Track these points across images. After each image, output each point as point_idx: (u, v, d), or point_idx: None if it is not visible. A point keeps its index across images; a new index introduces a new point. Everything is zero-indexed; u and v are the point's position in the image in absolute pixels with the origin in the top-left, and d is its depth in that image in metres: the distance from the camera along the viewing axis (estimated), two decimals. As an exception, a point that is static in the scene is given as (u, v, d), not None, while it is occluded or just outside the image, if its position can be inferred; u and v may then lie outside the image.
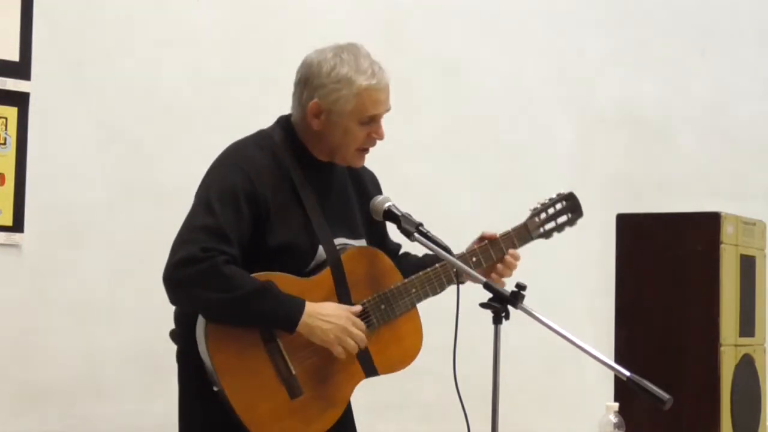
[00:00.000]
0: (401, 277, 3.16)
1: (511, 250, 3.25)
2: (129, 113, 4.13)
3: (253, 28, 4.46)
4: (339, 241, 3.12)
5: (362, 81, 3.05)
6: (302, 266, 3.05)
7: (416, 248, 3.20)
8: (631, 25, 5.79)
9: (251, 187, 3.00)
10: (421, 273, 3.16)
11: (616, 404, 3.17)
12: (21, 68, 3.88)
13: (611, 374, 2.88)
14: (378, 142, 3.15)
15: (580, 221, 3.41)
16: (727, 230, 4.15)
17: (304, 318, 2.95)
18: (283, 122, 3.19)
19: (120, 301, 4.06)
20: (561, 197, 3.38)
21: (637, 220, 4.28)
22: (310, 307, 2.97)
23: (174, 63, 4.25)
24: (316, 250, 3.07)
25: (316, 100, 3.07)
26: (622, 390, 3.80)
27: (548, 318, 2.77)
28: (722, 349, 4.06)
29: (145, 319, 4.05)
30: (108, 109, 4.09)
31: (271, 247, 3.01)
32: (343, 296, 3.07)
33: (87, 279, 4.00)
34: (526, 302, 2.79)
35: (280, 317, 2.95)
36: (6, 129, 3.83)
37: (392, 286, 3.12)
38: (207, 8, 4.35)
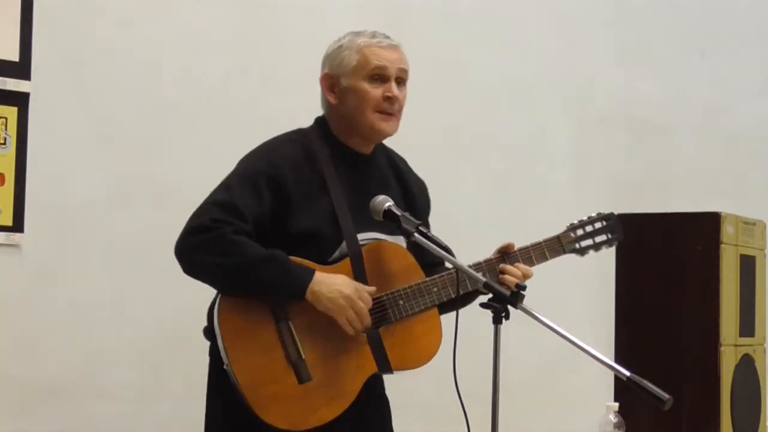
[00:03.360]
0: (423, 276, 3.14)
1: (523, 267, 3.19)
2: (129, 113, 4.13)
3: (253, 27, 4.46)
4: (371, 235, 3.11)
5: (362, 40, 3.17)
6: (325, 256, 3.05)
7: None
8: (631, 25, 5.78)
9: (273, 172, 3.03)
10: (444, 273, 3.13)
11: (616, 404, 3.17)
12: (21, 68, 3.87)
13: (611, 374, 2.88)
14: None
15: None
16: (727, 230, 4.15)
17: (312, 285, 2.95)
18: (320, 119, 3.24)
19: (120, 300, 4.05)
20: (600, 216, 3.34)
21: (637, 220, 4.27)
22: (319, 275, 2.96)
23: (174, 63, 4.25)
24: (340, 241, 3.06)
25: (326, 71, 3.18)
26: (622, 390, 3.79)
27: (548, 318, 2.77)
28: (722, 349, 4.06)
29: (146, 319, 4.06)
30: (108, 109, 4.09)
31: (293, 234, 3.02)
32: None
33: (87, 279, 4.00)
34: (526, 302, 2.79)
35: (289, 283, 2.95)
36: (6, 129, 3.83)
37: (413, 284, 3.10)
38: (207, 8, 4.35)
